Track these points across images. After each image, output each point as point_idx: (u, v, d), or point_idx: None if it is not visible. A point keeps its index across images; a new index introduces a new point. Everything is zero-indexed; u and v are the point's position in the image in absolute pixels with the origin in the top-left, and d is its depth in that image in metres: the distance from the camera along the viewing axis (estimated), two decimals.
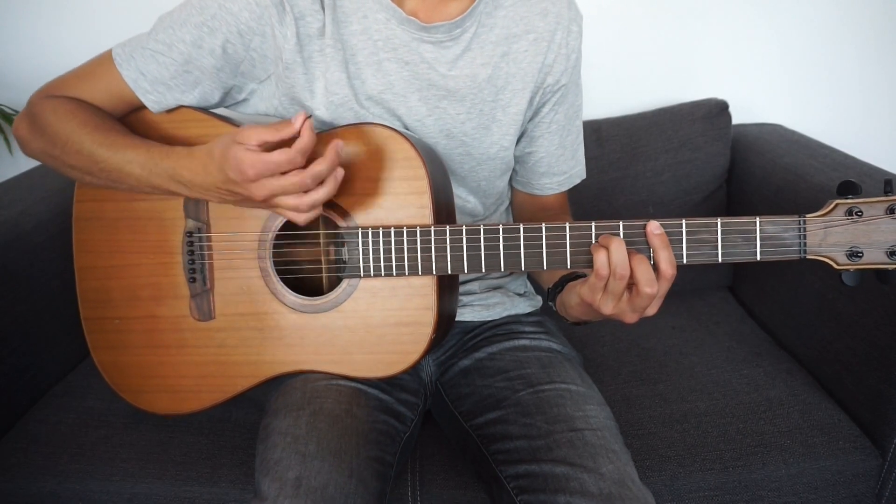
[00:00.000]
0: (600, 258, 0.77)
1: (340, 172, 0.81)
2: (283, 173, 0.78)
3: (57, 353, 1.24)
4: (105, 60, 0.93)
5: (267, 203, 0.81)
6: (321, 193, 0.80)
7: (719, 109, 1.49)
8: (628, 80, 1.61)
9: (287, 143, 0.78)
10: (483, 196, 1.04)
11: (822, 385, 1.16)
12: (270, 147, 0.79)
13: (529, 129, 1.02)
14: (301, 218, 0.81)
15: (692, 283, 1.51)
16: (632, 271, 0.76)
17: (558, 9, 0.97)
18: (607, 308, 0.79)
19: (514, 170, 1.07)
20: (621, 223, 0.80)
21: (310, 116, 0.80)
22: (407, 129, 0.96)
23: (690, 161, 1.48)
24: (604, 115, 1.55)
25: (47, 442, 1.07)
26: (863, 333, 1.08)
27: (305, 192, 0.79)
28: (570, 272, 0.91)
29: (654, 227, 0.78)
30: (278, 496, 0.78)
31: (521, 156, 1.05)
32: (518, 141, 1.03)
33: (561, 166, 1.05)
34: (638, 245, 0.80)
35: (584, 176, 1.10)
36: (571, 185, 1.08)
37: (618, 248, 0.77)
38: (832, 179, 1.22)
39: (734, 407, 1.11)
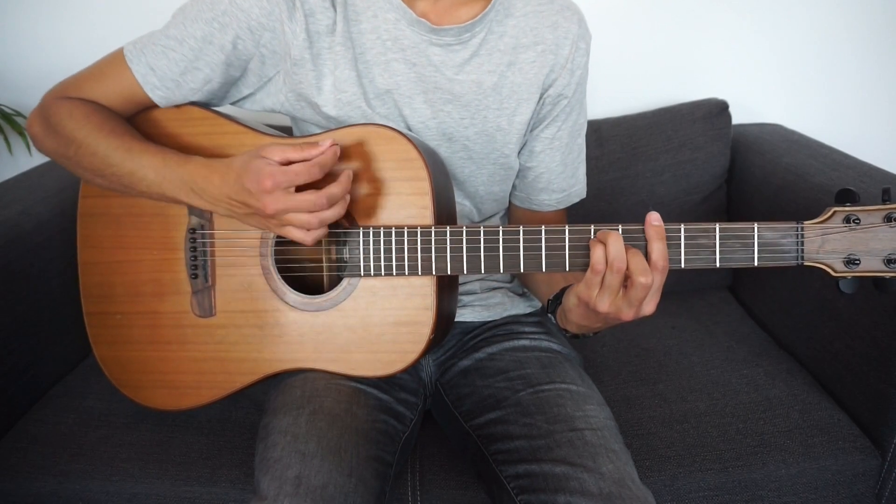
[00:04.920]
0: (598, 253, 0.77)
1: (348, 196, 0.84)
2: (298, 190, 0.81)
3: (57, 353, 1.24)
4: (116, 57, 0.94)
5: (276, 219, 0.83)
6: (332, 213, 0.83)
7: (719, 109, 1.50)
8: (628, 80, 1.62)
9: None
10: (480, 201, 1.04)
11: (822, 385, 1.16)
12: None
13: (530, 141, 1.01)
14: (309, 238, 0.83)
15: (692, 283, 1.51)
16: (627, 264, 0.76)
17: (569, 24, 0.96)
18: (604, 304, 0.78)
19: (514, 185, 1.07)
20: (620, 227, 0.80)
21: (337, 145, 0.84)
22: (410, 129, 0.96)
23: (690, 161, 1.48)
24: (604, 115, 1.56)
25: (47, 442, 1.07)
26: (863, 333, 1.08)
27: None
28: (570, 285, 0.90)
29: (653, 217, 0.78)
30: (278, 495, 0.78)
31: (522, 170, 1.04)
32: (519, 153, 1.02)
33: (560, 183, 1.04)
34: (636, 246, 0.79)
35: (583, 195, 1.08)
36: (570, 203, 1.07)
37: (615, 241, 0.77)
38: (832, 179, 1.22)
39: (734, 407, 1.11)
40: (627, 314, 0.78)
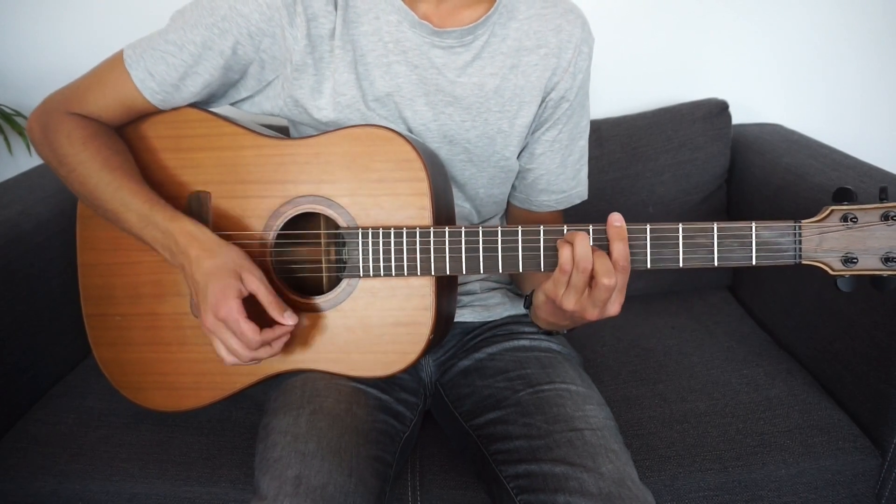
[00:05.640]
0: (565, 253, 0.79)
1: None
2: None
3: (57, 353, 1.24)
4: (116, 62, 0.93)
5: (204, 330, 0.85)
6: (262, 353, 0.85)
7: (719, 109, 1.49)
8: (628, 80, 1.62)
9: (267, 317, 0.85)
10: (480, 203, 1.04)
11: (822, 385, 1.16)
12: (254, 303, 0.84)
13: (530, 143, 1.02)
14: (229, 360, 0.85)
15: (692, 283, 1.51)
16: (592, 264, 0.78)
17: (572, 28, 0.96)
18: (569, 303, 0.80)
19: (513, 186, 1.07)
20: (591, 227, 0.81)
21: (297, 323, 0.86)
22: (411, 132, 0.96)
23: (690, 161, 1.48)
24: (604, 115, 1.56)
25: (47, 442, 1.07)
26: (863, 333, 1.08)
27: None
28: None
29: (615, 218, 0.80)
30: (278, 495, 0.78)
31: (521, 171, 1.04)
32: (519, 155, 1.02)
33: (561, 185, 1.05)
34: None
35: (585, 197, 1.09)
36: (571, 205, 1.07)
37: (582, 242, 0.78)
38: (832, 179, 1.22)
39: (734, 407, 1.11)
40: (592, 314, 0.80)
